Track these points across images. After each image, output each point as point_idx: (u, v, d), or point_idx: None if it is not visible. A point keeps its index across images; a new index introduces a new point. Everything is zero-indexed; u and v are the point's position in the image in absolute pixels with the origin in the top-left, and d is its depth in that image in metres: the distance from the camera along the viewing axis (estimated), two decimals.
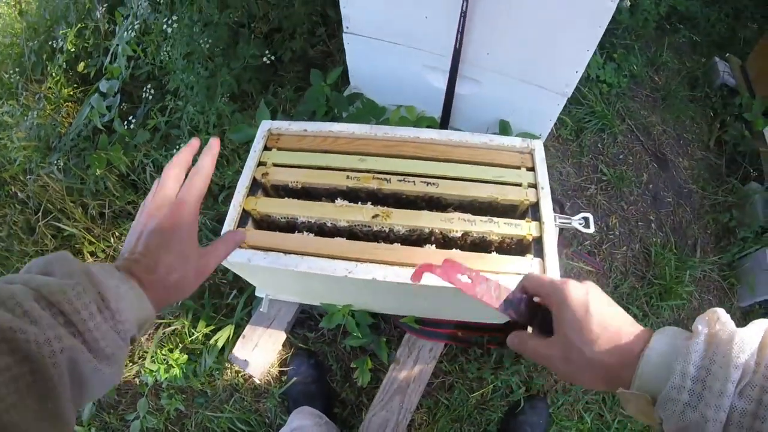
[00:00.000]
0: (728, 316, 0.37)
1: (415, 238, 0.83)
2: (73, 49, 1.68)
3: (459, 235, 0.80)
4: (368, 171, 0.85)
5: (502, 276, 0.77)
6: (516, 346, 0.49)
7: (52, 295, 0.35)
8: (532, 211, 0.86)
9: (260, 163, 0.90)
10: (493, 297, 0.47)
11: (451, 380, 1.21)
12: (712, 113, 1.74)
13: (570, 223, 0.91)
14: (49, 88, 1.70)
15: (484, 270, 0.77)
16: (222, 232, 0.80)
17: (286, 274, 0.82)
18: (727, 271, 1.43)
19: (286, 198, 0.85)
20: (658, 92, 1.77)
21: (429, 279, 0.47)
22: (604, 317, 0.42)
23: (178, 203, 0.47)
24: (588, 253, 1.42)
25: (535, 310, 0.49)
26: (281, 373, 1.21)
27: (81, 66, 1.70)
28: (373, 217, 0.80)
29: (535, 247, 0.82)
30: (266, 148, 0.92)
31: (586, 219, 0.92)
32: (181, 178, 0.50)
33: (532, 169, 0.91)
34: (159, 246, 0.45)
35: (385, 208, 0.81)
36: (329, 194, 0.87)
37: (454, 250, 0.79)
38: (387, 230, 0.81)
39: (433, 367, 1.14)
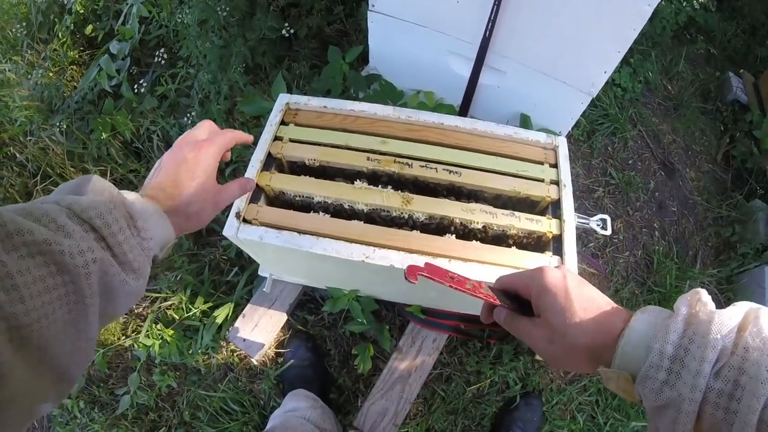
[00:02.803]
0: (710, 297, 0.36)
1: (434, 227, 0.78)
2: (82, 11, 1.60)
3: (480, 226, 0.76)
4: (390, 154, 0.80)
5: (521, 271, 0.73)
6: (503, 322, 0.47)
7: (84, 212, 0.36)
8: (553, 209, 0.83)
9: (276, 138, 0.85)
10: (481, 292, 0.45)
11: (448, 372, 1.18)
12: (722, 127, 1.72)
13: (588, 224, 0.88)
14: (55, 50, 1.61)
15: (504, 264, 0.73)
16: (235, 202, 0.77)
17: (297, 254, 0.77)
18: (725, 285, 1.41)
19: (302, 175, 0.80)
20: (670, 101, 1.73)
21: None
22: (584, 300, 0.41)
23: (205, 141, 0.50)
24: (591, 255, 1.39)
25: (517, 299, 0.48)
26: (278, 354, 1.17)
27: (89, 29, 1.61)
28: (400, 198, 0.75)
29: (554, 245, 0.79)
30: (283, 123, 0.87)
31: (603, 221, 0.89)
32: (211, 132, 0.53)
33: (554, 165, 0.87)
34: (183, 177, 0.47)
35: (406, 193, 0.76)
36: (347, 175, 0.82)
37: (473, 241, 0.75)
38: (406, 216, 0.77)
39: (436, 358, 1.11)
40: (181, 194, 0.46)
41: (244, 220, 0.77)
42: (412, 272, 0.43)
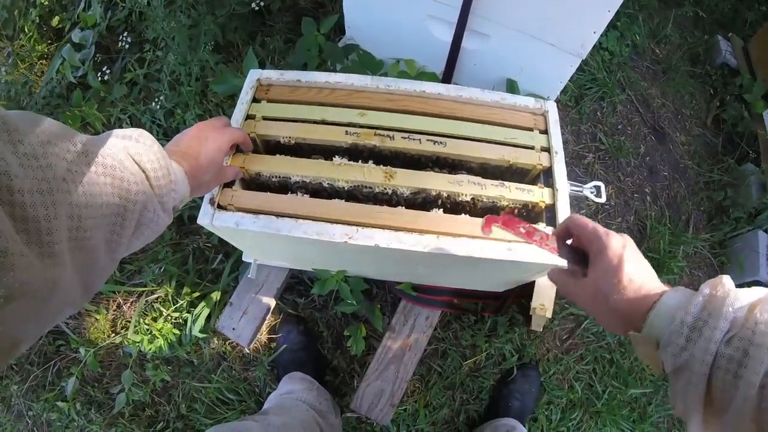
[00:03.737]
0: (732, 282, 0.39)
1: (420, 202, 0.73)
2: (46, 2, 1.48)
3: (468, 199, 0.71)
4: (369, 126, 0.74)
5: (514, 244, 0.68)
6: (555, 279, 0.53)
7: (137, 155, 0.43)
8: (544, 177, 0.77)
9: (248, 117, 0.77)
10: (547, 244, 0.51)
11: (444, 347, 1.14)
12: (712, 91, 1.65)
13: (581, 191, 0.82)
14: (22, 45, 1.50)
15: (496, 238, 0.68)
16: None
17: (277, 239, 0.71)
18: (718, 249, 1.38)
19: (277, 155, 0.73)
20: (659, 65, 1.66)
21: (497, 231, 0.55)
22: (633, 271, 0.44)
23: (222, 129, 0.61)
24: None
25: (576, 251, 0.52)
26: (270, 340, 1.13)
27: (55, 20, 1.50)
28: (382, 173, 0.69)
29: (547, 215, 0.74)
30: (255, 100, 0.79)
31: (597, 188, 0.84)
32: (226, 124, 0.64)
33: (544, 132, 0.81)
34: (203, 152, 0.56)
35: (389, 167, 0.70)
36: (326, 151, 0.76)
37: (462, 215, 0.69)
38: (390, 192, 0.70)
39: (430, 335, 1.07)
40: (200, 164, 0.55)
41: (219, 206, 0.70)
42: (488, 223, 0.56)
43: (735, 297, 0.36)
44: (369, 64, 0.93)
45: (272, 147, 0.77)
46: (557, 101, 1.42)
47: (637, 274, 0.44)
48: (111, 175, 0.39)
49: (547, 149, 0.78)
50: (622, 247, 0.45)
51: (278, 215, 0.68)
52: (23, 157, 0.31)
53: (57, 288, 0.32)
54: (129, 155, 0.42)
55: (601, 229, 0.48)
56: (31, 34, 1.49)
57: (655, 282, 0.44)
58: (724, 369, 0.34)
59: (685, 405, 0.37)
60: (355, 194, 0.72)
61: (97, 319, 1.14)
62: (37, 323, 0.32)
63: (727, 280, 0.39)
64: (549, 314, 1.05)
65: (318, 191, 0.73)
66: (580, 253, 0.50)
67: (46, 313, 0.33)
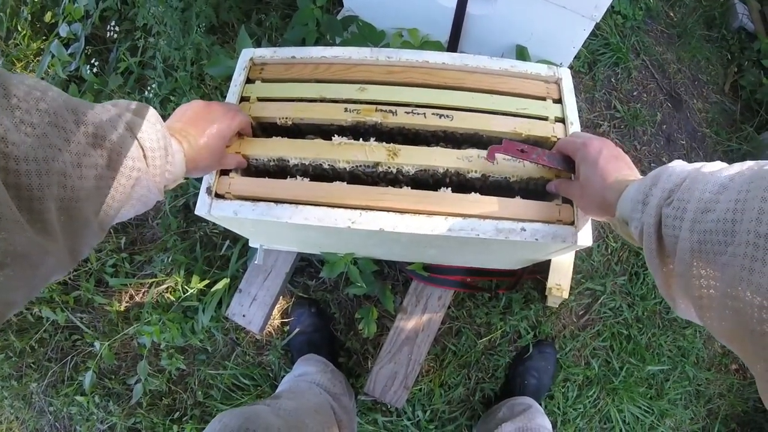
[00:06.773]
0: (679, 162, 0.44)
1: (428, 180, 0.66)
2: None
3: (478, 175, 0.64)
4: (370, 102, 0.67)
5: (527, 224, 0.62)
6: (552, 189, 0.62)
7: (139, 132, 0.42)
8: None
9: (242, 99, 0.71)
10: (544, 159, 0.58)
11: (458, 326, 1.10)
12: (729, 56, 1.53)
13: None
14: (17, 44, 1.44)
15: (509, 217, 0.62)
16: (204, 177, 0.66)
17: (278, 225, 0.66)
18: None
19: (274, 137, 0.68)
20: (673, 28, 1.53)
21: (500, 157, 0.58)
22: (606, 172, 0.51)
23: (231, 114, 0.59)
24: None
25: (569, 161, 0.59)
26: (283, 323, 1.10)
27: (48, 16, 1.43)
28: (385, 151, 0.63)
29: None
30: (249, 81, 0.73)
31: None
32: (238, 109, 0.62)
33: (558, 101, 0.73)
34: (208, 136, 0.54)
35: (392, 145, 0.64)
36: (325, 131, 0.69)
37: (472, 193, 0.63)
38: (394, 171, 0.64)
39: (443, 315, 1.02)
40: (200, 149, 0.53)
41: (217, 195, 0.65)
42: (491, 154, 0.59)
43: (669, 175, 0.42)
44: (370, 36, 0.85)
45: (269, 129, 0.71)
46: (570, 68, 1.33)
47: (610, 172, 0.51)
48: (108, 148, 0.38)
49: (561, 120, 0.70)
50: (597, 152, 0.53)
51: (277, 201, 0.63)
52: (20, 123, 0.31)
53: (47, 254, 0.33)
54: (129, 129, 0.41)
55: (580, 141, 0.56)
56: (24, 32, 1.43)
57: (623, 177, 0.50)
58: (670, 227, 0.39)
59: (650, 262, 0.43)
60: (358, 175, 0.66)
61: (110, 312, 1.12)
62: (27, 289, 0.33)
63: (673, 163, 0.44)
64: (565, 294, 0.99)
65: (319, 174, 0.68)
66: (572, 162, 0.57)
67: (36, 279, 0.33)
